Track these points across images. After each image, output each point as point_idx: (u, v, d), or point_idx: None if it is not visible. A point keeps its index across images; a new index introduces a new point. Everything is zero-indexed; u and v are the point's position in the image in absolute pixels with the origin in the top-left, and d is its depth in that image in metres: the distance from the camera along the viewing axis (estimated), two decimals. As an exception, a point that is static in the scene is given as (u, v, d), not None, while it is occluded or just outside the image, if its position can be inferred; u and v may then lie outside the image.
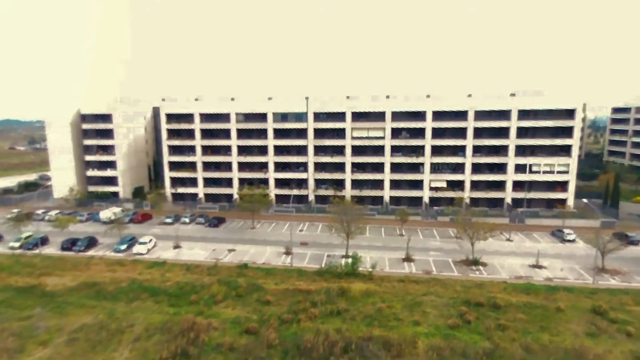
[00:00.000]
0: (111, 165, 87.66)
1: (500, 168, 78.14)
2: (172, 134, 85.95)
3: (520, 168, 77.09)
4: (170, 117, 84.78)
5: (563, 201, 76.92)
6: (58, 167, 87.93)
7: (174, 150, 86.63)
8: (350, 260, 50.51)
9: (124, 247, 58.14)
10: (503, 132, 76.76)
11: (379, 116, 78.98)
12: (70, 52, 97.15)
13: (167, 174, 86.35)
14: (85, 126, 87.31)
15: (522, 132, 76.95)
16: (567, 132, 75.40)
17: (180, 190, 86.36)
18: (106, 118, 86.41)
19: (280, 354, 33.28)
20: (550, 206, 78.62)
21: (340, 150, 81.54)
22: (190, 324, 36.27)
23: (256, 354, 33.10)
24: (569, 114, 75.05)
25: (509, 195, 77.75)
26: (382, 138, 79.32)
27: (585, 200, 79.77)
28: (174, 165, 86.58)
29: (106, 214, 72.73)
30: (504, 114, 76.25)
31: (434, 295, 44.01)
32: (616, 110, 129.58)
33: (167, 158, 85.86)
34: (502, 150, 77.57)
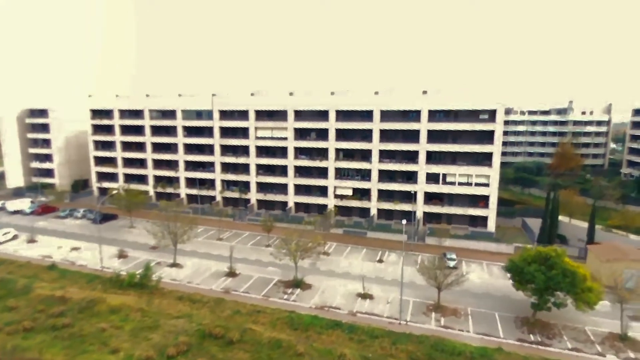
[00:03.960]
0: (49, 158, 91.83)
1: (412, 177, 68.06)
2: (100, 129, 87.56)
3: (433, 178, 66.45)
4: (95, 113, 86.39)
5: (484, 219, 65.03)
6: (8, 158, 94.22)
7: (102, 145, 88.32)
8: (142, 270, 46.50)
9: (-21, 238, 59.72)
10: (414, 136, 66.64)
11: (283, 115, 73.00)
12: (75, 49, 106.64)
13: (93, 169, 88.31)
14: (29, 120, 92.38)
15: (442, 137, 66.12)
16: (489, 137, 63.31)
17: (105, 184, 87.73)
18: (44, 113, 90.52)
19: None
20: (473, 224, 67.03)
21: (247, 151, 76.94)
22: None
23: None
24: (492, 116, 62.96)
25: (419, 208, 67.44)
26: (286, 139, 73.24)
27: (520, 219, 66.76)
28: (100, 160, 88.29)
29: (13, 205, 75.96)
30: (415, 115, 66.18)
31: (188, 319, 38.64)
32: (638, 112, 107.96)
33: (92, 153, 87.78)
34: (416, 156, 67.39)
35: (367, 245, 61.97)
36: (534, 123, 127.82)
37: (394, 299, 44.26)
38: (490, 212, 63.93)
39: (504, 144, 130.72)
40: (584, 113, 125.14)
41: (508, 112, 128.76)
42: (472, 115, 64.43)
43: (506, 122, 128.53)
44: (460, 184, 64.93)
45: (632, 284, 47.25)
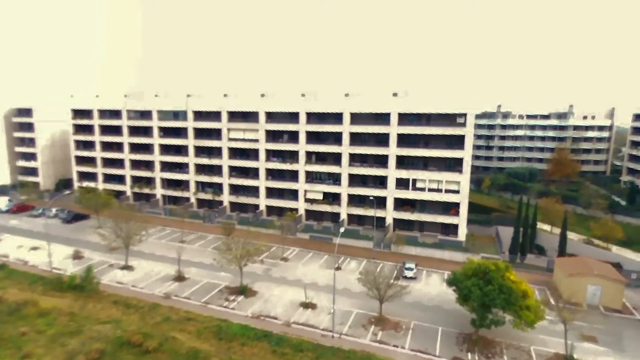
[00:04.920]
0: (34, 156, 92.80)
1: (384, 182, 65.94)
2: (81, 129, 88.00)
3: (403, 183, 64.22)
4: (76, 113, 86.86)
5: (456, 227, 62.46)
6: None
7: (83, 145, 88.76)
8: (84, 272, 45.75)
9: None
10: (386, 140, 64.54)
11: (255, 117, 71.85)
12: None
13: (74, 168, 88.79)
14: (15, 119, 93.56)
15: (413, 141, 63.87)
16: (460, 142, 60.74)
17: (86, 184, 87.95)
18: (29, 112, 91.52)
19: None
20: (445, 232, 64.54)
21: (221, 152, 76.04)
22: None
23: None
24: (465, 120, 60.40)
25: (389, 214, 65.27)
26: (258, 141, 72.03)
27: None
28: (81, 160, 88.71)
29: (-10, 203, 76.85)
30: (387, 118, 64.07)
31: (115, 325, 37.57)
32: (638, 117, 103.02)
33: (73, 152, 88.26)
34: (387, 160, 65.20)
35: (331, 251, 59.99)
36: (532, 127, 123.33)
37: (338, 309, 42.35)
38: (461, 220, 61.32)
39: (501, 148, 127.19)
40: (585, 117, 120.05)
41: (506, 116, 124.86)
42: (444, 119, 62.04)
43: (504, 127, 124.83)
44: (430, 190, 62.53)
45: (596, 300, 44.50)
